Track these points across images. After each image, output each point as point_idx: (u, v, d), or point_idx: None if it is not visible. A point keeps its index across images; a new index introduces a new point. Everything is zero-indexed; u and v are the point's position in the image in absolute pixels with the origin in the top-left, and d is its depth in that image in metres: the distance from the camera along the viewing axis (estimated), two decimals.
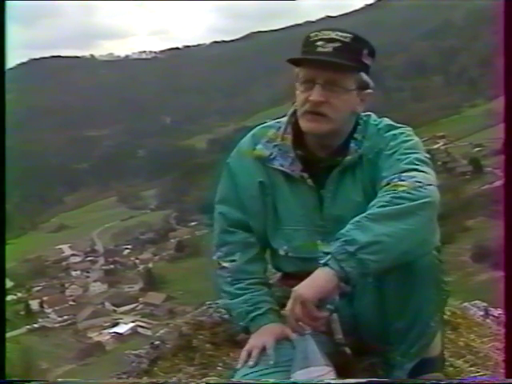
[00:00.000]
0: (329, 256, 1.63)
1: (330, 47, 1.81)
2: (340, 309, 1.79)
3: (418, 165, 1.78)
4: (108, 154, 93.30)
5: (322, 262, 1.64)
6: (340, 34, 1.84)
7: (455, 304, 2.75)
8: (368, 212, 1.68)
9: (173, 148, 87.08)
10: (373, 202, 1.71)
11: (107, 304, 50.26)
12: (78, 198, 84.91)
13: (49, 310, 48.71)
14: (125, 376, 2.33)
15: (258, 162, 1.97)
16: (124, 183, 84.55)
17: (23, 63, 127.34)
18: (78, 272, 57.80)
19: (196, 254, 50.53)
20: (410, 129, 1.94)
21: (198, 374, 2.20)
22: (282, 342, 1.83)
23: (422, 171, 1.76)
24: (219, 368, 2.23)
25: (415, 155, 1.81)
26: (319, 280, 1.63)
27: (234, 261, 1.97)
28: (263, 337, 1.85)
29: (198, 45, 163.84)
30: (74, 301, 50.98)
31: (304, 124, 1.88)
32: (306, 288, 1.63)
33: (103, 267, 58.44)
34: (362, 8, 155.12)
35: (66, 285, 54.18)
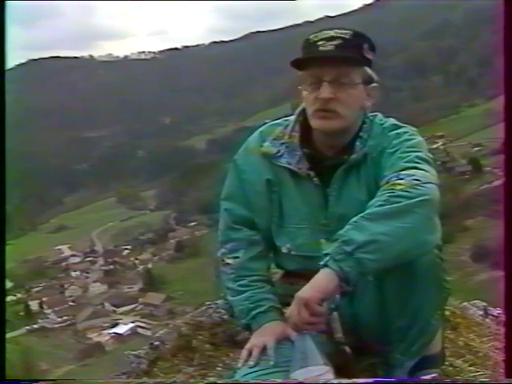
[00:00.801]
0: (328, 257, 1.64)
1: (331, 45, 1.83)
2: (340, 308, 1.79)
3: (418, 163, 1.78)
4: (107, 154, 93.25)
5: (321, 263, 1.65)
6: (339, 31, 1.86)
7: (455, 304, 2.75)
8: (365, 212, 1.68)
9: (172, 148, 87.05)
10: (371, 202, 1.72)
11: (107, 304, 50.24)
12: (77, 199, 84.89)
13: (48, 311, 48.68)
14: (124, 376, 2.34)
15: (265, 160, 1.98)
16: (123, 184, 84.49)
17: (22, 64, 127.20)
18: (78, 272, 57.74)
19: (195, 255, 50.56)
20: (414, 128, 1.95)
21: (197, 375, 2.20)
22: (283, 342, 1.83)
23: (422, 169, 1.76)
24: (219, 368, 2.23)
25: (416, 153, 1.81)
26: (320, 281, 1.64)
27: (237, 257, 1.97)
28: (264, 336, 1.84)
29: (197, 45, 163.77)
30: (73, 301, 50.94)
31: (315, 122, 1.89)
32: (308, 290, 1.64)
33: (103, 268, 58.37)
34: (361, 8, 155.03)
35: (66, 285, 54.11)
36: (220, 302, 2.57)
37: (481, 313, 2.85)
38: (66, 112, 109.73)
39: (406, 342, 1.83)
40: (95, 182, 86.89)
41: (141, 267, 56.54)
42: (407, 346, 1.84)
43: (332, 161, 1.92)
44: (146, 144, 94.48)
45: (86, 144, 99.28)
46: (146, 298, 49.95)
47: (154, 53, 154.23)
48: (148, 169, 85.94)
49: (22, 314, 47.29)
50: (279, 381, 1.72)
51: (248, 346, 1.86)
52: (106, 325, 45.86)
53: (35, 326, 46.78)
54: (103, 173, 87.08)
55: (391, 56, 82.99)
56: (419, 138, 1.90)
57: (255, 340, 1.86)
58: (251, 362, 1.80)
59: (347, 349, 1.87)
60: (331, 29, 1.88)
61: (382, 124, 1.94)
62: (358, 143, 1.90)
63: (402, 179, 1.72)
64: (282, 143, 1.96)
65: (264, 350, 1.82)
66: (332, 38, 1.84)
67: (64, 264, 60.13)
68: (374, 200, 1.72)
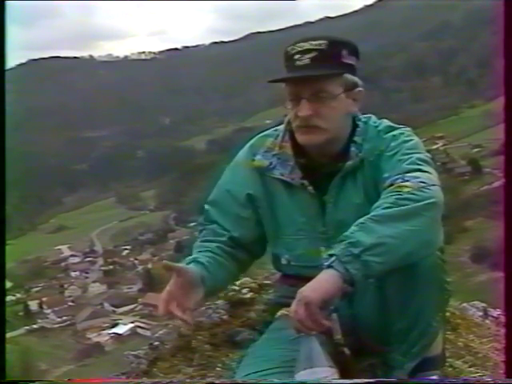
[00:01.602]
0: (333, 258, 1.62)
1: (306, 59, 1.82)
2: (339, 309, 1.79)
3: (420, 165, 1.78)
4: (107, 154, 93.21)
5: (326, 264, 1.64)
6: (314, 42, 1.83)
7: (454, 304, 2.75)
8: (372, 213, 1.68)
9: (172, 149, 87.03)
10: (377, 204, 1.71)
11: (106, 305, 50.21)
12: (76, 199, 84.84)
13: (48, 311, 48.65)
14: (124, 377, 2.33)
15: (256, 173, 1.98)
16: (123, 184, 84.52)
17: (22, 64, 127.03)
18: (77, 273, 57.71)
19: None
20: (409, 129, 1.94)
21: (196, 375, 2.21)
22: (284, 343, 1.83)
23: (426, 171, 1.76)
24: (218, 369, 2.23)
25: (417, 155, 1.81)
26: (324, 282, 1.62)
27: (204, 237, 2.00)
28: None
29: (197, 45, 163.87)
30: (73, 301, 50.90)
31: (300, 138, 1.89)
32: (311, 290, 1.62)
33: (102, 268, 58.35)
34: (361, 9, 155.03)
35: (65, 285, 54.07)
36: (220, 302, 2.58)
37: (481, 314, 2.85)
38: (66, 112, 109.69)
39: (406, 343, 1.83)
40: (95, 182, 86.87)
41: (140, 267, 56.52)
42: (408, 347, 1.83)
43: (327, 168, 1.91)
44: (145, 144, 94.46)
45: (85, 144, 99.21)
46: (145, 298, 49.87)
47: (153, 53, 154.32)
48: (148, 169, 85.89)
49: (21, 314, 47.25)
50: (279, 381, 1.72)
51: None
52: (106, 325, 45.81)
53: (34, 326, 46.74)
54: (103, 173, 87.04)
55: (391, 57, 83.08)
56: (416, 139, 1.89)
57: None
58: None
59: (346, 350, 1.87)
60: (306, 40, 1.85)
61: (377, 126, 1.93)
62: (353, 148, 1.89)
63: (407, 181, 1.71)
64: (274, 155, 1.96)
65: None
66: (307, 51, 1.82)
67: (63, 264, 60.08)
68: (379, 202, 1.71)
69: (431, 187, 1.71)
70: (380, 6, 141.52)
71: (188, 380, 2.17)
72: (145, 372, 2.33)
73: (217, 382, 2.14)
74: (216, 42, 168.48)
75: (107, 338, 42.98)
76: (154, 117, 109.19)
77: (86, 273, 57.78)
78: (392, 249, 1.63)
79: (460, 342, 2.43)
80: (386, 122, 1.96)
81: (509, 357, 1.81)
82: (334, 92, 1.84)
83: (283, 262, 1.99)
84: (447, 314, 2.41)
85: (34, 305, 49.58)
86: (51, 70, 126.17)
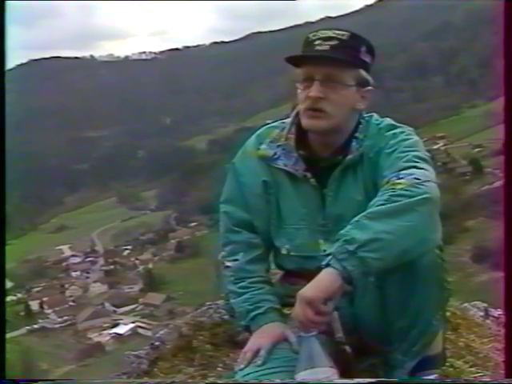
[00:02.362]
0: (330, 257, 1.64)
1: (327, 45, 1.85)
2: (340, 308, 1.79)
3: (416, 162, 1.79)
4: (108, 154, 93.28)
5: (324, 263, 1.65)
6: (338, 32, 1.87)
7: (455, 304, 2.75)
8: (367, 211, 1.69)
9: (172, 149, 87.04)
10: (372, 202, 1.72)
11: (107, 305, 50.25)
12: (77, 199, 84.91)
13: (49, 311, 48.69)
14: (125, 376, 2.34)
15: (263, 162, 2.00)
16: (124, 184, 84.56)
17: (23, 64, 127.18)
18: (78, 273, 57.77)
19: (196, 255, 50.58)
20: (410, 128, 1.96)
21: (197, 375, 2.21)
22: (284, 343, 1.83)
23: (421, 168, 1.76)
24: (219, 369, 2.24)
25: (414, 153, 1.82)
26: (323, 281, 1.63)
27: (236, 260, 1.98)
28: (261, 338, 1.85)
29: (198, 45, 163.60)
30: (73, 301, 50.94)
31: (305, 121, 1.90)
32: (311, 289, 1.64)
33: (103, 268, 58.41)
34: (362, 8, 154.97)
35: (66, 285, 54.15)
36: (220, 302, 2.58)
37: (481, 314, 2.85)
38: (67, 112, 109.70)
39: (406, 342, 1.83)
40: (96, 182, 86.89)
41: (141, 267, 56.57)
42: (408, 346, 1.84)
43: (328, 162, 1.93)
44: (146, 144, 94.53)
45: (86, 144, 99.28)
46: (146, 298, 49.96)
47: (154, 53, 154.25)
48: (148, 169, 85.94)
49: (22, 314, 47.31)
50: (279, 381, 1.72)
51: (245, 348, 1.86)
52: (107, 325, 45.86)
53: (35, 326, 46.79)
54: (104, 173, 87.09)
55: (392, 57, 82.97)
56: (416, 138, 1.90)
57: (251, 343, 1.86)
58: (242, 366, 1.80)
59: (348, 349, 1.87)
60: (330, 29, 1.89)
61: (378, 124, 1.95)
62: (353, 143, 1.91)
63: (401, 178, 1.72)
64: (279, 145, 1.98)
65: (257, 352, 1.81)
66: (329, 38, 1.85)
67: (64, 264, 60.17)
68: (374, 200, 1.72)
69: (425, 183, 1.71)
70: (381, 5, 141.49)
71: (189, 380, 2.18)
72: (146, 372, 2.33)
73: (218, 381, 2.14)
74: (217, 42, 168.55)
75: (108, 337, 43.01)
76: (155, 117, 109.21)
77: (87, 273, 57.84)
78: (387, 244, 1.63)
79: (461, 341, 2.43)
80: (387, 121, 1.98)
81: (509, 357, 1.81)
82: (346, 82, 1.87)
83: (283, 251, 2.00)
84: (448, 313, 2.41)
85: (34, 305, 49.63)
86: (52, 70, 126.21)
